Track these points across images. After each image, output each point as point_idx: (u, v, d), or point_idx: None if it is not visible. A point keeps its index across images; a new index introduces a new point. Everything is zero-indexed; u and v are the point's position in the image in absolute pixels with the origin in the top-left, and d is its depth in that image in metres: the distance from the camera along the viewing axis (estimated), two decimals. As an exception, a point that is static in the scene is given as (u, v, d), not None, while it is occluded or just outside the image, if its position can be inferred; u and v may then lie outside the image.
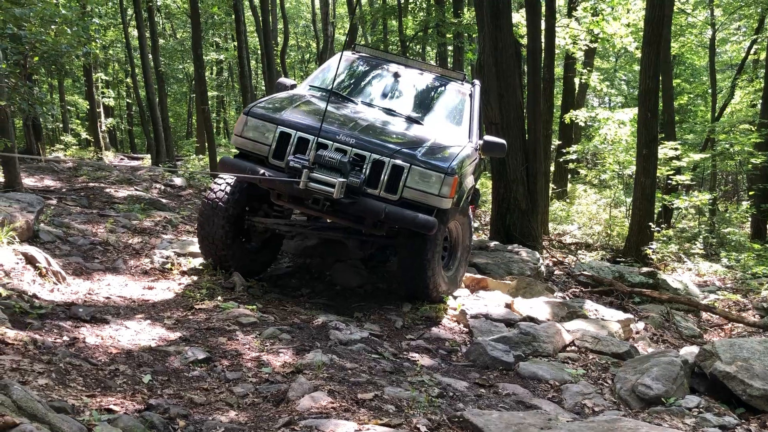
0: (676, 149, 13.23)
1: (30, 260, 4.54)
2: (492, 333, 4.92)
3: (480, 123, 7.03)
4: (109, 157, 24.82)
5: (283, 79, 6.28)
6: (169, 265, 5.78)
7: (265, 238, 5.67)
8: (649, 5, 11.25)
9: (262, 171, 4.72)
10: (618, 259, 11.61)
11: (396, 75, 6.45)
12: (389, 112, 5.84)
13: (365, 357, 4.00)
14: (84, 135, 27.62)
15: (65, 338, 3.39)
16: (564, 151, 14.29)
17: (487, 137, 5.96)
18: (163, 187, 13.45)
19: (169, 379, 3.14)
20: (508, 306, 5.80)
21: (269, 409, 2.86)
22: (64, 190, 11.85)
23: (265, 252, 5.79)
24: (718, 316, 8.48)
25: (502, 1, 9.66)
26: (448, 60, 20.20)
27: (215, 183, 5.39)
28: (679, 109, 21.90)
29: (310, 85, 6.19)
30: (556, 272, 9.96)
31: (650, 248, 11.04)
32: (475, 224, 13.04)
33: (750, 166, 13.80)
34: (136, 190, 12.80)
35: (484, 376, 4.15)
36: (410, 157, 4.84)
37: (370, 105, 5.92)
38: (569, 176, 16.81)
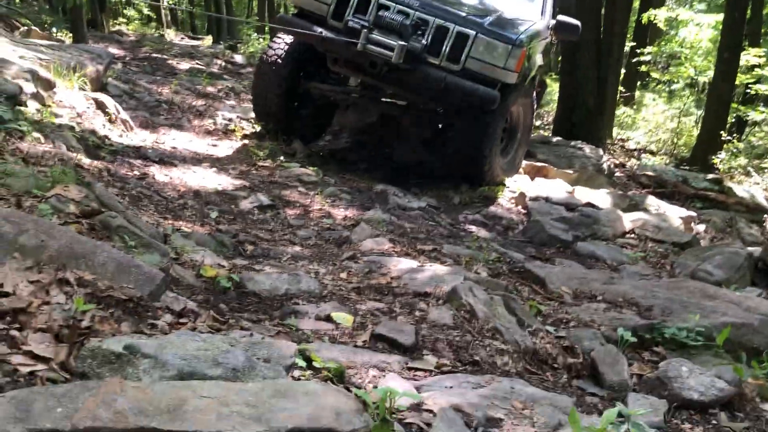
0: (760, 56, 12.45)
1: (100, 106, 4.62)
2: (551, 215, 4.85)
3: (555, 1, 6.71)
4: (170, 35, 24.84)
5: None
6: (232, 127, 5.82)
7: (319, 105, 5.56)
8: None
9: (319, 30, 4.55)
10: (683, 166, 11.28)
11: None
12: None
13: (423, 222, 4.02)
14: (146, 11, 27.54)
15: (136, 173, 3.49)
16: (638, 51, 13.59)
17: (561, 16, 5.68)
18: (224, 63, 13.39)
19: (235, 218, 3.22)
20: (569, 193, 5.71)
21: (332, 249, 2.91)
22: (128, 58, 11.96)
23: (318, 119, 5.71)
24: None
25: None
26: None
27: (273, 42, 5.28)
28: None
29: None
30: (617, 174, 9.74)
31: (718, 157, 10.64)
32: (537, 122, 12.75)
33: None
34: (198, 64, 12.84)
35: (540, 252, 4.14)
36: (476, 25, 4.58)
37: None
38: (639, 82, 16.06)
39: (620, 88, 15.36)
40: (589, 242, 4.37)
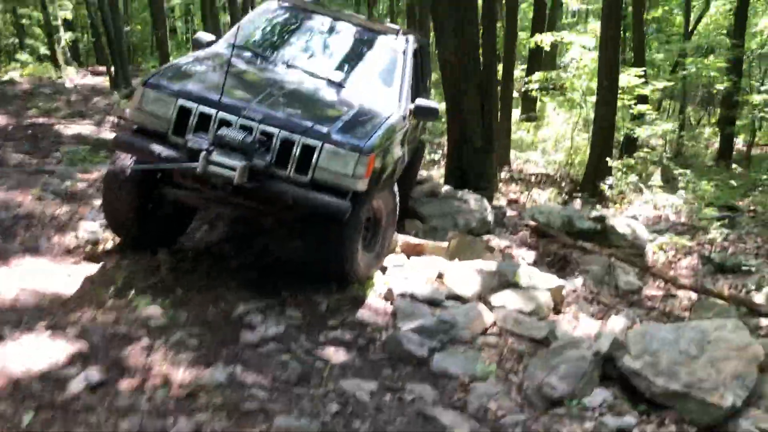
0: (640, 76, 12.97)
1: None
2: (414, 317, 4.91)
3: (421, 81, 6.80)
4: (71, 74, 24.01)
5: (200, 35, 5.95)
6: (95, 239, 5.66)
7: (179, 206, 5.45)
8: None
9: (158, 151, 4.44)
10: (575, 195, 11.64)
11: (322, 29, 6.15)
12: (311, 74, 5.57)
13: (273, 361, 4.00)
14: (43, 50, 26.55)
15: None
16: (526, 80, 13.97)
17: (420, 101, 5.76)
18: (116, 120, 13.06)
19: (55, 415, 3.11)
20: (440, 277, 5.79)
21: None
22: (10, 127, 11.50)
23: (181, 215, 5.60)
24: (662, 263, 8.59)
25: None
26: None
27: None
28: (653, 22, 21.36)
29: (229, 43, 5.86)
30: (509, 213, 9.97)
31: (606, 184, 11.02)
32: (428, 171, 12.89)
33: (715, 91, 13.65)
34: (88, 125, 12.45)
35: (396, 373, 4.18)
36: (322, 134, 4.56)
37: (290, 66, 5.63)
38: (535, 104, 16.52)
39: (517, 112, 15.82)
40: (446, 353, 4.44)
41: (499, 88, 14.02)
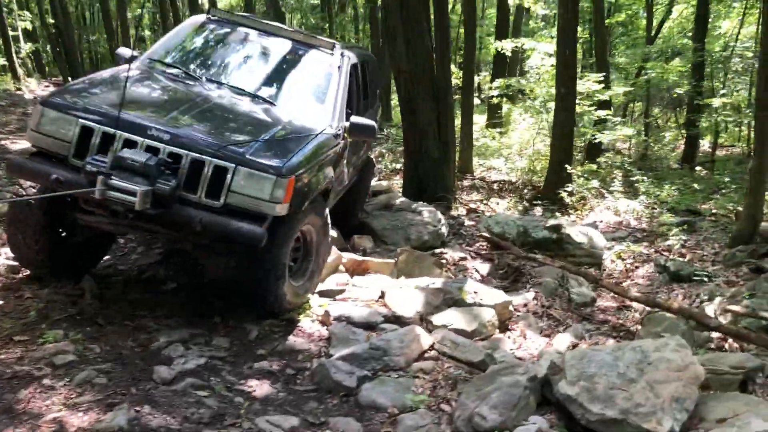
0: (600, 81, 12.90)
1: None
2: (348, 343, 4.69)
3: (364, 97, 6.60)
4: (32, 85, 23.49)
5: (121, 50, 5.67)
6: (15, 270, 5.37)
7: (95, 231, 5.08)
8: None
9: (54, 175, 4.11)
10: (535, 202, 11.51)
11: (254, 44, 5.90)
12: (237, 91, 5.33)
13: (187, 399, 3.74)
14: (1, 61, 25.93)
15: None
16: (488, 87, 13.84)
17: (355, 118, 5.54)
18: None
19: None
20: (382, 296, 5.57)
21: None
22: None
23: (97, 242, 5.28)
24: (619, 272, 8.46)
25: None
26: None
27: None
28: (615, 26, 21.39)
29: (150, 59, 5.59)
30: (467, 223, 9.80)
31: (565, 191, 10.90)
32: (383, 182, 12.70)
33: (675, 95, 13.63)
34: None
35: (321, 406, 3.95)
36: (236, 155, 4.27)
37: (215, 82, 5.38)
38: (500, 110, 16.39)
39: (478, 119, 15.68)
40: (377, 381, 4.21)
41: (459, 95, 13.93)
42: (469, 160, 13.31)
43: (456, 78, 14.27)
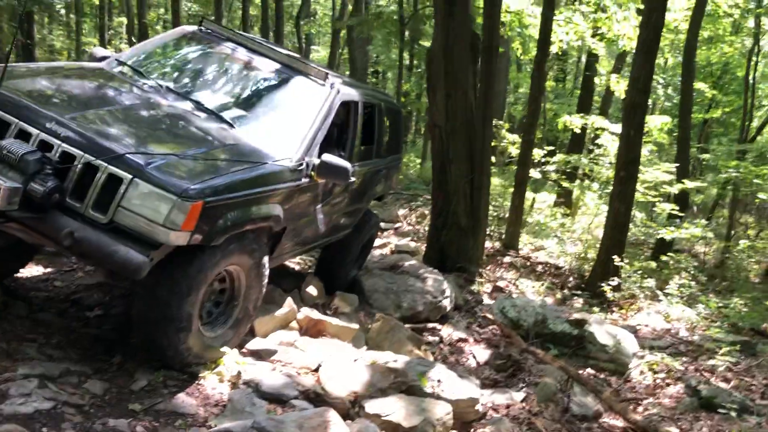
0: (671, 172, 11.71)
1: None
2: (241, 415, 3.84)
3: (366, 142, 5.91)
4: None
5: (96, 49, 5.22)
6: None
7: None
8: (646, 8, 9.78)
9: None
10: (576, 292, 10.35)
11: (238, 62, 5.31)
12: (197, 106, 4.70)
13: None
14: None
15: None
16: (544, 160, 12.87)
17: (327, 157, 4.79)
18: None
19: None
20: (318, 368, 4.69)
21: None
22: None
23: (13, 251, 4.67)
24: (644, 387, 7.24)
25: (457, -17, 8.35)
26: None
27: None
28: (711, 123, 20.02)
29: (119, 60, 5.09)
30: (486, 301, 8.78)
31: (608, 285, 9.70)
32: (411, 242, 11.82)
33: (758, 201, 12.24)
34: None
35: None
36: (135, 165, 3.60)
37: (176, 94, 4.78)
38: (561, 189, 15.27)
39: (529, 191, 14.63)
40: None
41: (511, 163, 13.02)
42: (516, 236, 12.27)
43: (514, 147, 13.40)
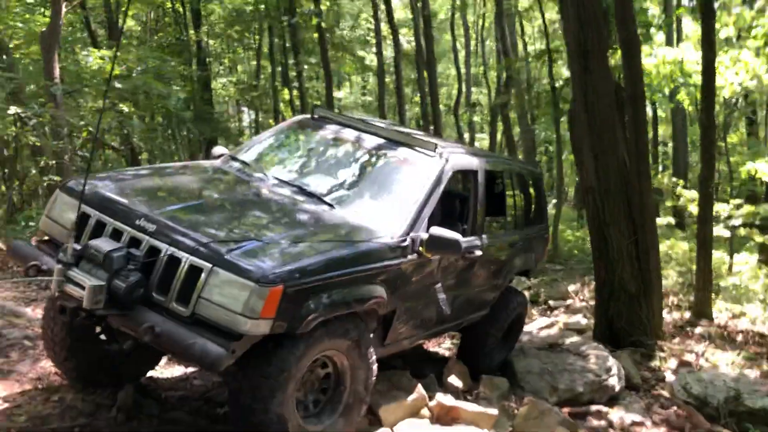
0: None
1: None
2: None
3: (470, 207, 5.51)
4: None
5: (216, 148, 5.43)
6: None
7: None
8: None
9: (34, 262, 3.69)
10: (784, 362, 8.77)
11: (345, 144, 5.25)
12: (299, 191, 4.63)
13: None
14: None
15: None
16: (729, 215, 11.42)
17: (435, 230, 4.47)
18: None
19: None
20: None
21: None
22: None
23: (140, 353, 4.64)
24: None
25: (589, 36, 7.89)
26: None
27: None
28: None
29: (232, 156, 5.22)
30: (669, 379, 7.67)
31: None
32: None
33: None
34: None
35: None
36: (215, 253, 3.50)
37: (281, 181, 4.76)
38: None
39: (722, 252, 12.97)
40: None
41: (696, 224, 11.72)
42: (707, 303, 10.83)
43: (691, 203, 12.10)
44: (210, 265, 3.48)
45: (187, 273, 3.52)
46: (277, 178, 4.81)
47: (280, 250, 3.71)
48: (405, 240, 4.39)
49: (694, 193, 12.30)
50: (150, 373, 5.38)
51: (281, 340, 3.66)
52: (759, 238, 12.14)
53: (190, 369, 5.86)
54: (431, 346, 7.98)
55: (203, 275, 3.47)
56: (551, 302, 11.82)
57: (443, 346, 8.03)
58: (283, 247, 3.74)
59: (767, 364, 8.93)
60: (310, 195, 4.62)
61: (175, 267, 3.55)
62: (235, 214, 4.16)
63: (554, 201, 19.68)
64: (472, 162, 5.52)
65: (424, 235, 4.49)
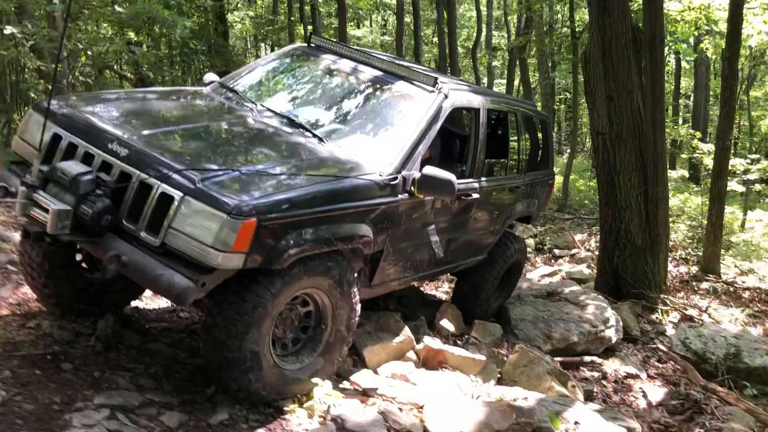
0: None
1: None
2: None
3: (470, 148, 5.25)
4: None
5: (208, 75, 5.16)
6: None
7: None
8: None
9: (2, 184, 3.52)
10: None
11: (341, 75, 4.98)
12: (289, 122, 4.40)
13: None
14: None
15: None
16: (744, 169, 11.05)
17: (428, 169, 4.23)
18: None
19: None
20: (417, 411, 4.07)
21: None
22: None
23: (124, 282, 4.51)
24: None
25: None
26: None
27: None
28: None
29: (222, 83, 4.96)
30: (669, 332, 7.53)
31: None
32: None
33: None
34: None
35: None
36: (187, 181, 3.29)
37: (271, 111, 4.50)
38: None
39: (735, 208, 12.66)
40: None
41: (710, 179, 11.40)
42: (715, 258, 10.60)
43: (707, 156, 11.74)
44: (181, 194, 3.28)
45: (158, 201, 3.33)
46: (265, 108, 4.57)
47: (258, 181, 3.51)
48: (396, 178, 4.17)
49: (710, 146, 11.92)
50: (135, 304, 5.29)
51: (257, 276, 3.50)
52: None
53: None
54: (429, 288, 7.85)
55: (174, 204, 3.28)
56: (556, 251, 11.64)
57: (441, 290, 7.91)
58: (262, 179, 3.54)
59: (770, 322, 8.77)
60: (299, 127, 4.39)
61: (147, 194, 3.37)
62: (216, 143, 3.93)
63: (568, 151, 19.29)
64: (474, 99, 5.24)
65: (417, 175, 4.27)
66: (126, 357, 4.38)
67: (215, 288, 3.46)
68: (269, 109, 4.56)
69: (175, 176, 3.34)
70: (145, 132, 3.71)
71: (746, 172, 11.01)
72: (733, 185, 11.10)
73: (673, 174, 14.59)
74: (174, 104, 4.57)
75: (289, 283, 3.60)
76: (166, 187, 3.31)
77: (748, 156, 11.87)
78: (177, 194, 3.28)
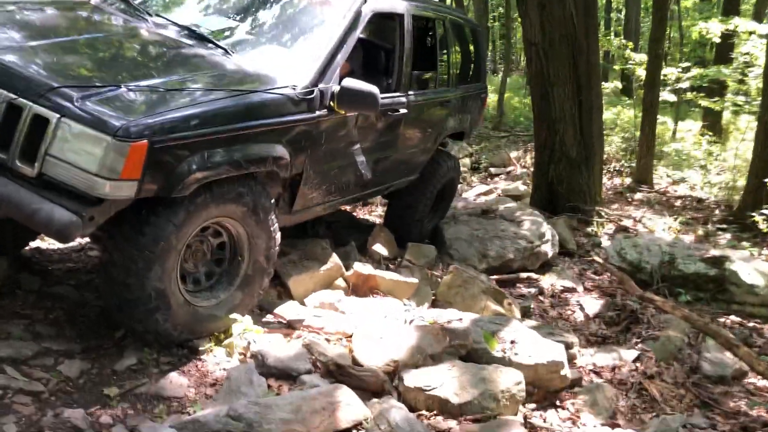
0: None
1: None
2: (236, 395, 3.09)
3: (395, 59, 4.86)
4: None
5: None
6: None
7: None
8: None
9: None
10: (720, 227, 8.71)
11: None
12: (189, 34, 3.90)
13: None
14: None
15: None
16: (675, 77, 10.99)
17: (348, 81, 3.84)
18: None
19: None
20: (345, 340, 3.82)
21: None
22: None
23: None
24: None
25: None
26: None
27: None
28: None
29: None
30: (605, 244, 7.49)
31: (762, 214, 8.00)
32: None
33: None
34: None
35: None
36: (64, 101, 2.84)
37: (170, 22, 3.98)
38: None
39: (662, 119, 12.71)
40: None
41: (638, 87, 11.33)
42: (648, 169, 10.65)
43: (639, 66, 11.63)
44: (57, 116, 2.82)
45: (30, 125, 2.86)
46: (162, 17, 4.05)
47: (148, 98, 3.07)
48: (312, 92, 3.77)
49: (643, 57, 11.80)
50: (36, 244, 4.82)
51: (156, 206, 3.11)
52: (705, 102, 11.83)
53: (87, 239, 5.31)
54: (361, 213, 7.57)
55: (51, 128, 2.83)
56: (492, 169, 11.49)
57: (375, 214, 7.63)
58: (154, 96, 3.09)
59: (703, 229, 8.87)
60: (201, 38, 3.91)
61: (17, 118, 2.89)
62: (100, 57, 3.45)
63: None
64: (398, 5, 4.82)
65: (336, 88, 3.88)
66: (23, 303, 3.95)
67: (109, 221, 3.06)
68: (168, 20, 4.05)
69: (50, 95, 2.87)
70: (12, 45, 3.19)
71: (678, 80, 10.94)
72: (666, 95, 11.04)
73: (606, 86, 14.49)
74: (53, 15, 3.99)
75: (195, 213, 3.22)
76: (38, 108, 2.84)
77: (679, 65, 11.79)
78: (53, 116, 2.82)
